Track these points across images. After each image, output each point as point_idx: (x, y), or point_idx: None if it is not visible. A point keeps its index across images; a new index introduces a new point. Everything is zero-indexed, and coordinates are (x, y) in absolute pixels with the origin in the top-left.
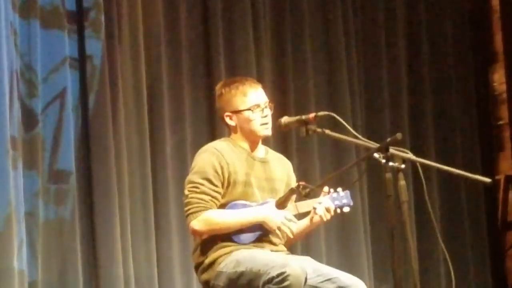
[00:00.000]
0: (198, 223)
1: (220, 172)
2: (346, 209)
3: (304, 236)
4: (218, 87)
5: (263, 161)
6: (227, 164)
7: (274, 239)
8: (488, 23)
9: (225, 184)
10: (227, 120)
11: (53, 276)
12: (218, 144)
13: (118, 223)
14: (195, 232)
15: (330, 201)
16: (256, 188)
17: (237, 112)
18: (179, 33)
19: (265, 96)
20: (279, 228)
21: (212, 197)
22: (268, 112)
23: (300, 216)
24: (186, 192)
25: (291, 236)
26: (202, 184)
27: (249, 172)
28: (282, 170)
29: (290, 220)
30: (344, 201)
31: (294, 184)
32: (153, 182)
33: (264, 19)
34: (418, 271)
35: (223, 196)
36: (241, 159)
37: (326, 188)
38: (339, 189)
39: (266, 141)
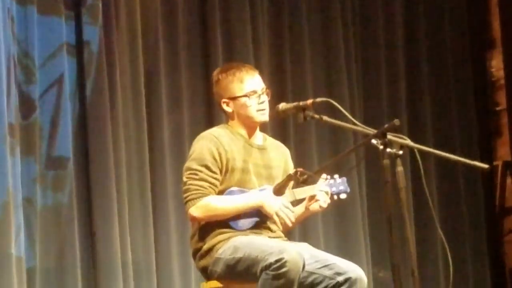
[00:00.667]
0: (196, 210)
1: (218, 159)
2: (343, 196)
3: (300, 223)
4: (215, 73)
5: (261, 148)
6: (225, 151)
7: (271, 226)
8: (486, 9)
9: (223, 171)
10: (224, 106)
11: (51, 262)
12: (216, 131)
13: (116, 209)
14: (194, 219)
15: (327, 188)
16: (254, 175)
17: (234, 98)
18: (176, 19)
19: (262, 82)
20: (276, 213)
21: (211, 183)
22: (265, 98)
23: (297, 202)
24: (185, 179)
25: (290, 224)
26: (201, 171)
27: (246, 159)
28: (280, 157)
29: (287, 208)
30: (341, 187)
31: (291, 171)
32: (150, 167)
33: (261, 5)
34: (415, 256)
35: (220, 183)
36: (239, 146)
37: (323, 175)
38: (336, 176)
39: (263, 127)
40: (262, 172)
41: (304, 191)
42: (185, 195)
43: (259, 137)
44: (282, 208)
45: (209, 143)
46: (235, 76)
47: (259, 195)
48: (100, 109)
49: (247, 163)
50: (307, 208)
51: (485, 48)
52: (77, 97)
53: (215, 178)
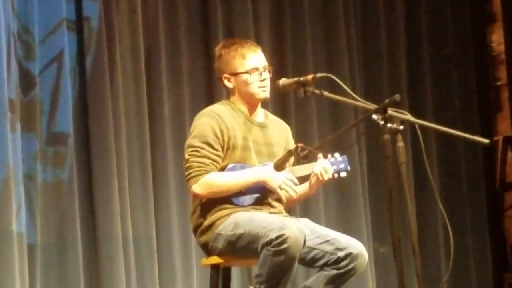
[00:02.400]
0: (199, 186)
1: (220, 136)
2: (343, 174)
3: (302, 201)
4: (217, 48)
5: (262, 126)
6: (226, 128)
7: (273, 202)
8: None
9: (225, 148)
10: (225, 82)
11: (52, 238)
12: (217, 108)
13: (116, 185)
14: (196, 196)
15: (327, 164)
16: (254, 152)
17: (235, 74)
18: None
19: (264, 59)
20: (280, 187)
21: (213, 160)
22: (267, 75)
23: (299, 180)
24: (187, 156)
25: (294, 196)
26: (203, 148)
27: (247, 137)
28: (280, 135)
29: (291, 180)
30: (341, 165)
31: (292, 147)
32: (151, 143)
33: None
34: (416, 232)
35: (222, 160)
36: (240, 123)
37: (323, 153)
38: (336, 154)
39: (264, 103)
40: (263, 150)
41: (303, 169)
42: (187, 172)
43: (260, 114)
44: (285, 181)
45: (211, 120)
46: (237, 52)
47: (261, 170)
48: (100, 85)
49: (247, 140)
50: (311, 186)
51: (486, 22)
52: (77, 73)
53: (217, 155)
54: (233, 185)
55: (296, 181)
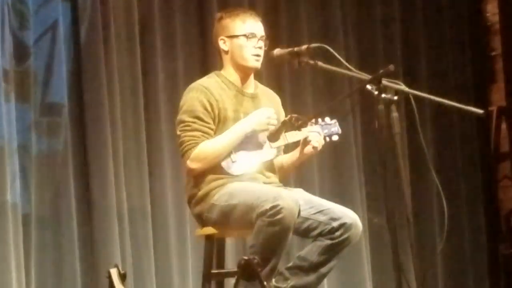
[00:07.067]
0: (193, 161)
1: (209, 109)
2: (335, 138)
3: (296, 167)
4: (219, 13)
5: (253, 97)
6: (216, 101)
7: (267, 172)
8: None
9: (216, 121)
10: (221, 44)
11: (46, 208)
12: (206, 81)
13: (111, 155)
14: (193, 171)
15: (319, 129)
16: None
17: (232, 37)
18: None
19: (263, 30)
20: (269, 124)
21: (204, 132)
22: (262, 45)
23: (290, 145)
24: (178, 132)
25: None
26: (194, 122)
27: (238, 109)
28: (271, 105)
29: (270, 118)
30: (333, 129)
31: (286, 118)
32: (145, 113)
33: None
34: (410, 203)
35: (214, 133)
36: (230, 96)
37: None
38: (327, 118)
39: (258, 73)
40: None
41: (296, 134)
42: (181, 148)
43: (251, 84)
44: (270, 116)
45: (200, 94)
46: (238, 17)
47: (245, 122)
48: (95, 55)
49: (238, 113)
50: (301, 152)
51: None
52: (71, 42)
53: (209, 128)
54: (225, 147)
55: (275, 116)
